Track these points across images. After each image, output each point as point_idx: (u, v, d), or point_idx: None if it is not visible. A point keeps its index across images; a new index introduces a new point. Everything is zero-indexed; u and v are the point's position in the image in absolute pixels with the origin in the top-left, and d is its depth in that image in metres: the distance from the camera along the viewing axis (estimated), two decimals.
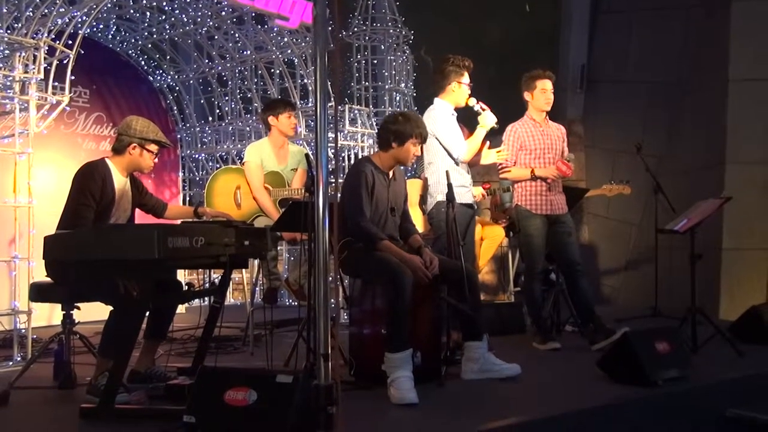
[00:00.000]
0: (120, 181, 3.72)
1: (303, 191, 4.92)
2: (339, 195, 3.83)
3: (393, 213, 3.85)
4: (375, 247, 3.62)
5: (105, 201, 3.61)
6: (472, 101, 4.51)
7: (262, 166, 5.04)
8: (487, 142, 4.57)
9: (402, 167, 4.07)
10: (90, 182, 3.57)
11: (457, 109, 4.59)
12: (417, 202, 5.30)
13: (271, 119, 5.07)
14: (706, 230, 5.16)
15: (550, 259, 5.15)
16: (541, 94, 4.76)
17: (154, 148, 3.75)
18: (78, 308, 3.68)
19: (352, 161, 6.80)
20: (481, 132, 4.49)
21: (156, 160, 3.84)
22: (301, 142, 6.52)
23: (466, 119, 4.66)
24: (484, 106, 4.50)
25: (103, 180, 3.60)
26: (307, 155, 4.50)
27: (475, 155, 4.62)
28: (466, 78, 4.52)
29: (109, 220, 3.66)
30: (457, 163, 4.46)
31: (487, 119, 4.47)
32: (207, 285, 3.76)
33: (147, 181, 7.05)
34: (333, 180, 2.58)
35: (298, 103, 6.81)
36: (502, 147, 4.74)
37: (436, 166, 4.44)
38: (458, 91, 4.51)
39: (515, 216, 4.87)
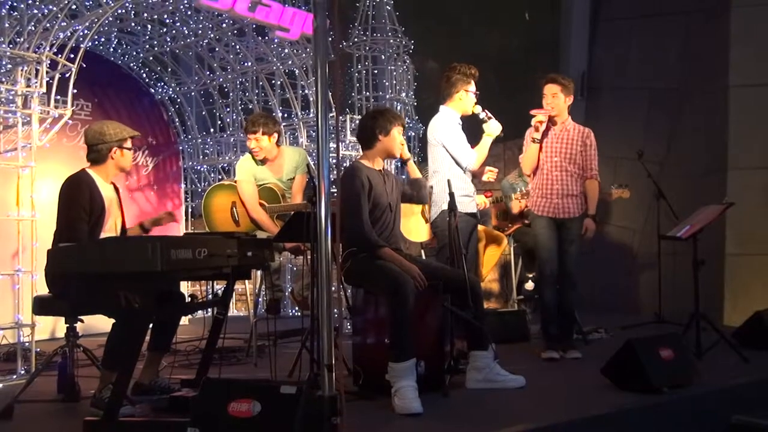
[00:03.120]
0: (106, 188, 3.74)
1: (302, 200, 4.91)
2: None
3: (391, 209, 3.85)
4: (375, 255, 3.62)
5: (96, 211, 3.62)
6: (478, 109, 4.51)
7: (256, 181, 5.01)
8: None
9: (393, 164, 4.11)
10: (78, 195, 3.58)
11: (462, 118, 4.59)
12: (420, 211, 5.30)
13: None
14: (709, 236, 5.15)
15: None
16: (543, 99, 4.76)
17: (130, 144, 3.82)
18: (81, 321, 3.68)
19: None
20: (487, 140, 4.50)
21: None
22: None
23: (468, 128, 4.66)
24: (490, 115, 4.49)
25: (91, 191, 3.62)
26: (308, 165, 4.49)
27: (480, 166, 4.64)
28: (472, 86, 4.52)
29: (104, 228, 3.68)
30: (465, 172, 4.46)
31: (492, 128, 4.47)
32: (210, 296, 3.76)
33: (149, 192, 7.08)
34: (335, 190, 2.58)
35: (300, 113, 6.82)
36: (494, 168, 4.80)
37: (441, 174, 4.42)
38: (465, 99, 4.51)
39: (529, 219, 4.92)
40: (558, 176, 4.71)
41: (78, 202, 3.56)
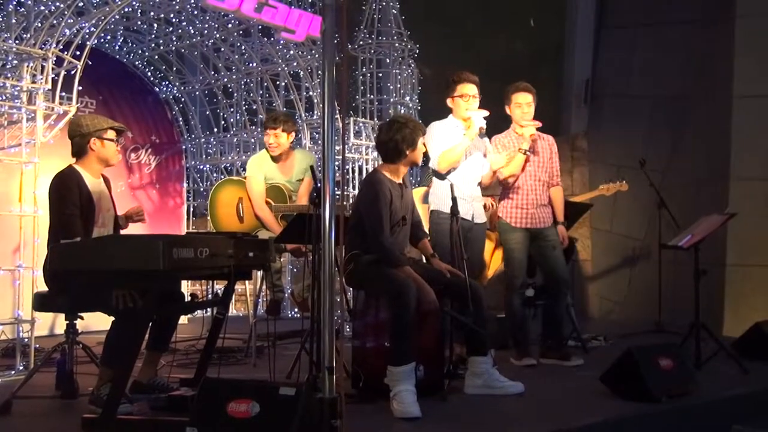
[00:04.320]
0: (93, 182, 3.72)
1: (306, 202, 4.92)
2: (350, 208, 3.85)
3: (404, 222, 3.84)
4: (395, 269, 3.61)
5: (86, 206, 3.61)
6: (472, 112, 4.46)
7: (265, 180, 5.02)
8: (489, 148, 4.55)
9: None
10: (66, 192, 3.57)
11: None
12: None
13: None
14: (710, 246, 5.15)
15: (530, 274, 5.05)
16: (516, 108, 4.65)
17: (112, 135, 3.76)
18: (81, 318, 3.68)
19: (356, 174, 6.81)
20: (462, 141, 4.31)
21: (119, 148, 3.84)
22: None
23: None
24: (471, 113, 4.32)
25: (78, 186, 3.61)
26: (312, 167, 4.50)
27: (490, 179, 4.60)
28: (459, 90, 4.42)
29: (97, 223, 3.68)
30: (435, 175, 4.42)
31: (473, 127, 4.28)
32: (210, 296, 3.75)
33: (152, 191, 7.08)
34: (338, 192, 2.58)
35: (303, 115, 6.82)
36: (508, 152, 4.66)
37: (435, 177, 4.46)
38: (454, 107, 4.50)
39: (498, 229, 4.79)
40: (533, 186, 4.67)
41: (68, 198, 3.55)
